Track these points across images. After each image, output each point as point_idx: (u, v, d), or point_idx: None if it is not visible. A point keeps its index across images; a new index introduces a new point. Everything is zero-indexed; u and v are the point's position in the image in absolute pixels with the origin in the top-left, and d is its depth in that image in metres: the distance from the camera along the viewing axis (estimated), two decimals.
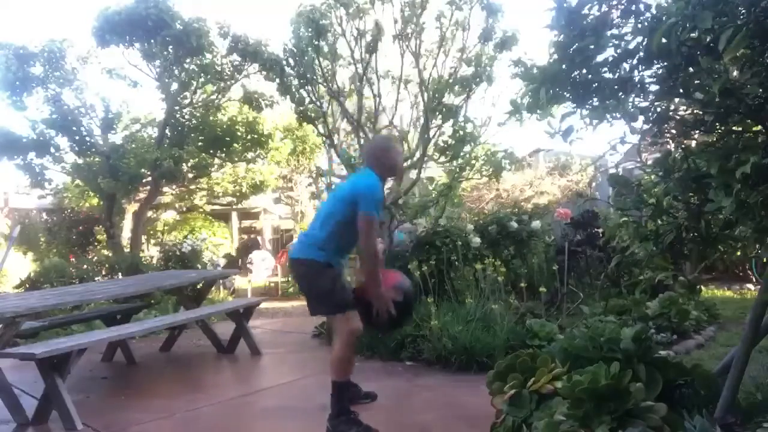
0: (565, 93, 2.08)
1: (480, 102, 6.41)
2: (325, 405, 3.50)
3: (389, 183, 6.95)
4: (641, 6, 1.95)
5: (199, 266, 8.92)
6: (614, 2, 1.96)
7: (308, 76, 6.18)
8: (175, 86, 8.78)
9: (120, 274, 8.15)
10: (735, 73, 2.00)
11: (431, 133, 6.33)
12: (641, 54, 1.96)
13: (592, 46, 1.95)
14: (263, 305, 7.08)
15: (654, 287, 5.16)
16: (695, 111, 2.20)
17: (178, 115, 9.09)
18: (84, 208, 11.89)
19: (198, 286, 6.17)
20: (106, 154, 8.63)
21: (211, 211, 13.72)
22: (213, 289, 7.91)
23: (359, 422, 3.13)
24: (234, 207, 13.81)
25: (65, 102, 8.64)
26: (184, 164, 8.74)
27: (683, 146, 2.27)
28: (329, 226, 3.26)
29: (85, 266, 8.45)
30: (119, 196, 9.08)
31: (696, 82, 1.95)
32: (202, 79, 8.81)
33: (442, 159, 6.55)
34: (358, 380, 3.74)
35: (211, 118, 9.25)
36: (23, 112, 8.51)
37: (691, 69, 1.92)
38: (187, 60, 8.46)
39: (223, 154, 9.76)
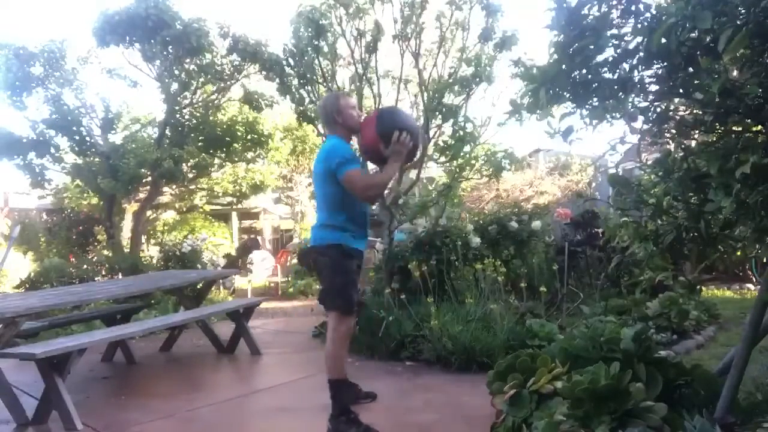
0: (565, 93, 2.08)
1: (480, 102, 6.42)
2: (325, 405, 3.50)
3: (391, 185, 6.97)
4: (641, 6, 1.95)
5: (199, 266, 8.92)
6: (614, 2, 1.96)
7: (308, 76, 6.18)
8: (175, 86, 8.79)
9: (120, 274, 8.15)
10: (735, 73, 2.00)
11: (431, 133, 6.32)
12: (641, 54, 1.96)
13: (591, 46, 1.95)
14: (263, 305, 7.08)
15: (654, 287, 5.17)
16: (695, 111, 2.20)
17: (178, 115, 9.10)
18: (84, 208, 11.89)
19: (198, 286, 6.17)
20: (106, 154, 8.64)
21: (211, 211, 13.72)
22: (213, 289, 7.91)
23: (359, 422, 3.13)
24: (234, 207, 13.82)
25: (65, 102, 8.64)
26: (184, 164, 8.74)
27: (683, 146, 2.27)
28: (328, 204, 3.28)
29: (85, 266, 8.45)
30: (119, 196, 9.08)
31: (696, 82, 1.95)
32: (202, 79, 8.82)
33: (442, 159, 6.54)
34: (358, 380, 3.75)
35: (211, 118, 9.26)
36: (23, 112, 8.53)
37: (690, 69, 1.91)
38: (187, 60, 8.47)
39: (223, 154, 9.77)
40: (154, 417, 3.51)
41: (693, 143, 2.39)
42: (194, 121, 9.27)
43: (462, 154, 6.27)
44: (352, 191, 3.13)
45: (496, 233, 6.15)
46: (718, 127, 2.12)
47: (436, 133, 6.39)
